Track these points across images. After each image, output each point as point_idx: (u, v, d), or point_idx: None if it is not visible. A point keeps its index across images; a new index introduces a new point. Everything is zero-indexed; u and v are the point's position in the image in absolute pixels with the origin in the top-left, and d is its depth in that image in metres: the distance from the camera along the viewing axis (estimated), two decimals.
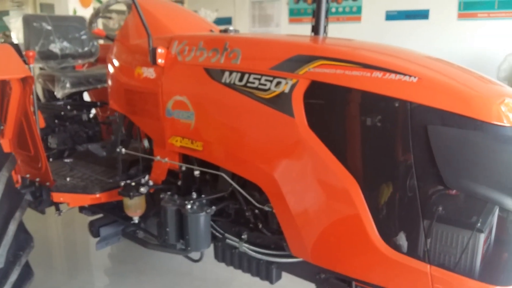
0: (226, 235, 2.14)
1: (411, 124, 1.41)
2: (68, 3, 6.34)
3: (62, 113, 3.18)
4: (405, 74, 1.44)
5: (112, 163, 2.67)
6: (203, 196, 2.06)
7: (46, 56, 3.15)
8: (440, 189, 1.42)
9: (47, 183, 2.49)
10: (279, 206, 1.76)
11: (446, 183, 1.38)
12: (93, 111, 3.37)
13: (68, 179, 2.60)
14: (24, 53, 2.70)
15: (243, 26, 8.61)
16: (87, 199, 2.48)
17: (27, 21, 3.14)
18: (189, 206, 1.94)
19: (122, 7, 2.75)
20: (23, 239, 2.22)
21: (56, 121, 3.25)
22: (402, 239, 1.48)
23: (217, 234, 2.16)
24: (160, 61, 2.08)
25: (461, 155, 1.37)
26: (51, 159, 2.96)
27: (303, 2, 8.26)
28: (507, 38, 6.56)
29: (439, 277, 1.43)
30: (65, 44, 3.25)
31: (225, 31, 2.19)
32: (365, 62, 1.53)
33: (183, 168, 2.17)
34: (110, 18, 3.05)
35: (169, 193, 2.13)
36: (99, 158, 2.84)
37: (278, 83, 1.69)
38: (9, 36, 3.82)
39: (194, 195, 2.04)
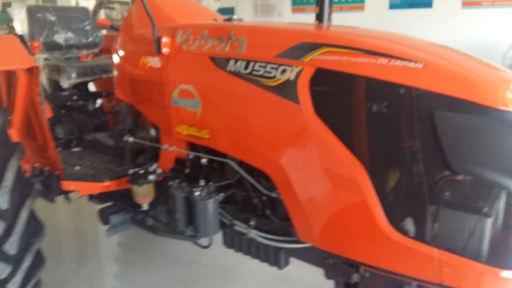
0: (234, 221, 2.17)
1: (417, 110, 1.42)
2: None
3: (69, 103, 3.21)
4: (410, 61, 1.45)
5: (119, 152, 2.69)
6: (210, 183, 2.08)
7: (51, 46, 3.16)
8: (447, 174, 1.43)
9: (57, 172, 2.52)
10: (287, 193, 1.78)
11: (452, 168, 1.40)
12: (99, 101, 3.38)
13: (77, 168, 2.63)
14: (29, 44, 2.71)
15: (245, 15, 8.55)
16: (96, 187, 2.51)
17: (31, 12, 3.15)
18: (197, 193, 1.96)
19: None
20: (35, 227, 2.26)
21: (63, 111, 3.28)
22: (409, 224, 1.50)
23: (226, 221, 2.19)
24: (165, 50, 2.09)
25: (467, 140, 1.38)
26: (59, 149, 2.99)
27: None
28: None
29: (446, 261, 1.44)
30: (69, 34, 3.26)
31: (229, 19, 2.19)
32: (370, 49, 1.54)
33: (190, 156, 2.19)
34: (113, 8, 3.06)
35: (177, 180, 2.15)
36: (106, 147, 2.87)
37: (284, 71, 1.70)
38: (13, 28, 3.82)
39: (202, 182, 2.06)
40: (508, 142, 1.38)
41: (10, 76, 2.52)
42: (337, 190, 1.62)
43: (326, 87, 1.63)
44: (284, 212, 1.90)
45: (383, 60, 1.49)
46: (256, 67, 1.79)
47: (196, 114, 2.04)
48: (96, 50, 3.48)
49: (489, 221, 1.38)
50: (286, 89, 1.69)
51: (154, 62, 2.20)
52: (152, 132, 2.48)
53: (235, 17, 2.20)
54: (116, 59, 2.50)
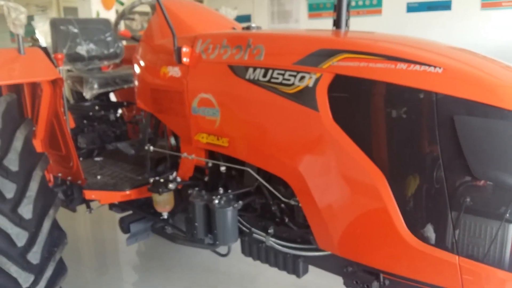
0: (253, 229, 2.17)
1: (437, 115, 1.41)
2: (91, 5, 6.49)
3: (91, 113, 3.27)
4: (429, 65, 1.44)
5: (140, 161, 2.73)
6: (229, 191, 2.10)
7: (74, 58, 3.24)
8: (467, 180, 1.41)
9: (79, 181, 2.57)
10: (305, 200, 1.78)
11: (473, 174, 1.38)
12: (120, 111, 3.45)
13: (98, 177, 2.67)
14: (53, 56, 2.78)
15: (262, 22, 8.62)
16: (117, 196, 2.55)
17: (54, 24, 3.23)
18: (216, 201, 1.98)
19: (144, 8, 2.81)
20: (57, 236, 2.29)
21: (85, 121, 3.35)
22: (429, 231, 1.48)
23: (244, 228, 2.20)
24: (185, 60, 2.12)
25: (488, 144, 1.36)
26: (81, 158, 3.05)
27: None
28: None
29: (468, 268, 1.42)
30: (91, 46, 3.33)
31: (248, 28, 2.22)
32: (389, 54, 1.53)
33: (210, 164, 2.21)
34: (133, 19, 3.11)
35: (196, 188, 2.17)
36: (127, 156, 2.91)
37: (302, 78, 1.71)
38: (36, 40, 3.93)
39: (221, 190, 2.07)
40: None
41: (34, 87, 2.59)
42: (356, 197, 1.62)
43: (345, 93, 1.63)
44: (303, 220, 1.90)
45: (402, 65, 1.48)
46: (275, 75, 1.80)
47: (215, 123, 2.06)
48: (117, 60, 3.55)
49: (511, 227, 1.36)
50: (305, 96, 1.69)
51: (174, 71, 2.23)
52: (172, 141, 2.52)
53: (253, 25, 2.22)
54: (137, 69, 2.55)
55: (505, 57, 1.68)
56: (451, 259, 1.44)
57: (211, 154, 2.24)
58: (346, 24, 2.13)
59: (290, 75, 1.75)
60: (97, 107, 3.24)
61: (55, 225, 2.28)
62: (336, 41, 1.78)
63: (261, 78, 1.85)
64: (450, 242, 1.45)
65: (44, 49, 2.55)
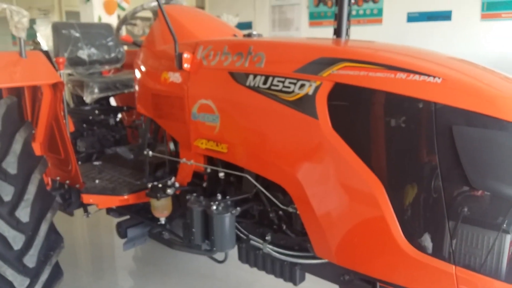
0: (250, 236, 2.17)
1: (435, 125, 1.42)
2: (93, 10, 6.51)
3: (90, 117, 3.28)
4: (429, 75, 1.45)
5: (139, 166, 2.73)
6: (227, 197, 2.10)
7: (75, 62, 3.25)
8: (465, 190, 1.42)
9: (77, 185, 2.56)
10: (304, 208, 1.78)
11: (471, 184, 1.38)
12: (119, 115, 3.45)
13: (97, 181, 2.67)
14: (54, 59, 2.79)
15: (263, 30, 8.66)
16: (115, 201, 2.54)
17: (56, 28, 3.24)
18: (214, 207, 1.98)
19: (146, 14, 2.82)
20: (54, 240, 2.29)
21: (84, 125, 3.35)
22: (427, 240, 1.49)
23: (241, 235, 2.19)
24: (186, 66, 2.13)
25: (486, 155, 1.37)
26: (80, 162, 3.05)
27: (323, 5, 8.25)
28: None
29: (464, 278, 1.42)
30: (93, 50, 3.34)
31: (249, 35, 2.23)
32: (389, 64, 1.54)
33: (208, 170, 2.21)
34: (135, 24, 3.12)
35: (194, 194, 2.17)
36: (126, 160, 2.91)
37: (302, 86, 1.72)
38: (38, 43, 3.94)
39: (219, 196, 2.08)
40: None
41: (35, 91, 2.60)
42: (354, 205, 1.62)
43: (344, 102, 1.64)
44: (301, 227, 1.90)
45: (402, 75, 1.49)
46: (275, 82, 1.81)
47: (215, 129, 2.07)
48: (118, 65, 3.57)
49: (508, 238, 1.36)
50: (304, 104, 1.70)
51: (175, 77, 2.24)
52: (171, 146, 2.52)
53: (254, 32, 2.24)
54: (138, 74, 2.56)
55: (505, 68, 1.69)
56: (448, 269, 1.44)
57: (210, 160, 2.24)
58: (347, 33, 2.14)
59: (290, 83, 1.76)
60: (97, 111, 3.24)
61: (52, 229, 2.28)
62: (336, 50, 1.79)
63: (261, 85, 1.85)
64: (447, 251, 1.45)
65: (46, 53, 2.57)
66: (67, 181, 2.63)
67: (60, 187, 2.71)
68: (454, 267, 1.44)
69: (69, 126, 2.70)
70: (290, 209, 1.91)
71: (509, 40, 6.63)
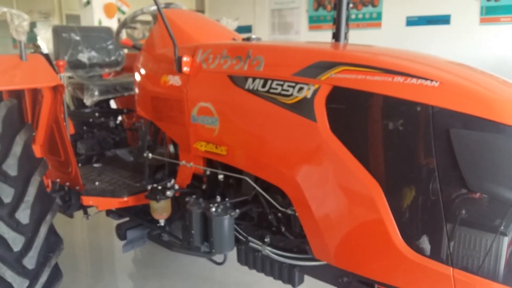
0: (249, 238, 2.18)
1: (433, 128, 1.43)
2: (93, 13, 6.53)
3: (90, 120, 3.29)
4: (426, 79, 1.46)
5: (138, 168, 2.74)
6: (227, 199, 2.11)
7: (75, 65, 3.26)
8: (463, 192, 1.43)
9: (77, 187, 2.57)
10: (302, 210, 1.79)
11: (469, 186, 1.40)
12: (119, 118, 3.46)
13: (96, 183, 2.68)
14: (54, 62, 2.81)
15: (263, 34, 8.68)
16: (115, 203, 2.55)
17: (57, 32, 3.26)
18: (213, 209, 1.99)
19: (146, 17, 2.84)
20: (53, 242, 2.30)
21: (85, 127, 3.36)
22: (425, 242, 1.50)
23: (240, 237, 2.20)
24: (185, 69, 2.14)
25: (484, 158, 1.38)
26: (80, 164, 3.06)
27: (322, 9, 8.28)
28: None
29: (462, 280, 1.43)
30: (93, 53, 3.36)
31: (248, 39, 2.25)
32: (387, 67, 1.56)
33: (208, 172, 2.22)
34: (135, 28, 3.14)
35: (194, 196, 2.18)
36: (126, 163, 2.92)
37: (301, 89, 1.73)
38: (38, 47, 3.95)
39: (218, 198, 2.09)
40: None
41: (35, 93, 2.61)
42: (352, 207, 1.63)
43: (342, 105, 1.66)
44: (299, 229, 1.92)
45: (399, 78, 1.51)
46: (274, 85, 1.82)
47: (214, 131, 2.08)
48: (118, 68, 3.58)
49: (505, 240, 1.37)
50: (303, 107, 1.72)
51: (174, 80, 2.25)
52: (171, 148, 2.53)
53: (253, 36, 2.25)
54: (138, 77, 2.57)
55: (503, 72, 1.70)
56: (446, 271, 1.45)
57: (209, 163, 2.25)
58: (345, 37, 2.16)
59: (289, 86, 1.77)
60: (97, 114, 3.26)
61: (51, 231, 2.28)
62: (335, 54, 1.81)
63: (260, 89, 1.87)
64: (444, 253, 1.46)
65: (46, 56, 2.57)
66: (67, 183, 2.64)
67: (60, 189, 2.72)
68: (451, 269, 1.44)
69: (69, 128, 2.71)
70: (289, 211, 1.92)
71: (508, 44, 6.65)
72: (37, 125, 2.58)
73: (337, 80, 1.64)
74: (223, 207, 2.03)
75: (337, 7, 2.09)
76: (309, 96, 1.70)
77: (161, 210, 2.32)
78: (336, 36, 2.13)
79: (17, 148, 2.14)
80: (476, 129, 1.38)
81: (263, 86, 1.86)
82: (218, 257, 2.27)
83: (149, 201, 2.33)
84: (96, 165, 3.08)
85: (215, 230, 1.99)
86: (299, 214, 1.82)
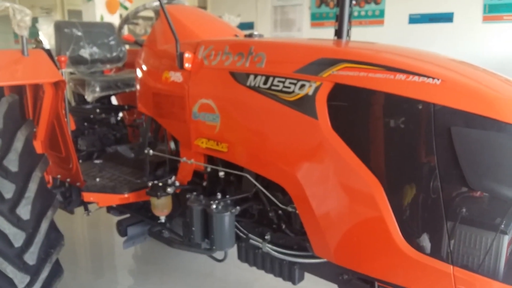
0: (250, 235, 2.18)
1: (434, 126, 1.43)
2: (95, 9, 6.52)
3: (92, 116, 3.29)
4: (428, 76, 1.46)
5: (139, 165, 2.74)
6: (227, 196, 2.11)
7: (76, 61, 3.26)
8: (463, 191, 1.43)
9: (78, 183, 2.57)
10: (303, 207, 1.79)
11: (469, 185, 1.39)
12: (120, 114, 3.46)
13: (97, 179, 2.68)
14: (56, 58, 2.81)
15: (265, 31, 8.67)
16: (116, 199, 2.55)
17: (59, 27, 3.25)
18: (214, 206, 1.99)
19: (148, 13, 2.84)
20: (54, 238, 2.30)
21: (86, 123, 3.36)
22: (425, 240, 1.49)
23: (241, 234, 2.20)
24: (187, 65, 2.14)
25: (485, 156, 1.38)
26: (80, 161, 3.06)
27: (325, 6, 8.26)
28: None
29: (462, 278, 1.43)
30: (95, 49, 3.35)
31: (250, 35, 2.24)
32: (388, 65, 1.55)
33: (208, 169, 2.22)
34: (137, 24, 3.13)
35: (194, 193, 2.18)
36: (127, 159, 2.93)
37: (302, 86, 1.73)
38: (40, 42, 3.95)
39: (219, 195, 2.09)
40: None
41: (36, 89, 2.61)
42: (353, 205, 1.63)
43: (344, 102, 1.65)
44: (300, 227, 1.91)
45: (401, 76, 1.50)
46: (275, 82, 1.82)
47: (215, 128, 2.08)
48: (119, 64, 3.57)
49: (506, 238, 1.37)
50: (304, 104, 1.71)
51: (176, 77, 2.25)
52: (172, 145, 2.53)
53: (255, 33, 2.25)
54: (139, 73, 2.57)
55: (506, 70, 1.70)
56: (446, 269, 1.45)
57: (210, 159, 2.25)
58: (348, 34, 2.15)
59: (290, 83, 1.77)
60: (98, 110, 3.25)
61: (52, 227, 2.29)
62: (337, 51, 1.80)
63: (261, 85, 1.86)
64: (445, 252, 1.46)
65: (48, 51, 2.57)
66: (68, 179, 2.64)
67: (61, 185, 2.72)
68: (452, 267, 1.44)
69: (70, 124, 2.70)
70: (290, 209, 1.92)
71: (511, 43, 6.63)
72: (38, 121, 2.58)
73: (339, 77, 1.63)
74: (224, 204, 2.03)
75: (340, 4, 2.08)
76: (310, 93, 1.70)
77: (161, 207, 2.33)
78: (338, 34, 2.12)
79: (18, 144, 2.14)
80: (477, 127, 1.38)
81: (265, 83, 1.85)
82: (219, 254, 2.27)
83: (149, 197, 2.33)
84: (97, 161, 3.09)
85: (215, 227, 1.99)
86: (300, 211, 1.82)
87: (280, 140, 1.83)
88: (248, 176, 2.03)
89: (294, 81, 1.76)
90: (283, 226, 2.04)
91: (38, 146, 2.65)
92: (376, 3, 7.68)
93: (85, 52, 3.29)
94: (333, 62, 1.67)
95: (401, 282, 1.59)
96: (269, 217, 2.08)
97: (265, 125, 1.88)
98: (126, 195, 2.53)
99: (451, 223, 1.44)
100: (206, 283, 3.16)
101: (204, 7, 9.14)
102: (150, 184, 2.36)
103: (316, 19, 8.42)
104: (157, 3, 2.52)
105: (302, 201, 1.77)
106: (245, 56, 1.97)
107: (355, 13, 7.78)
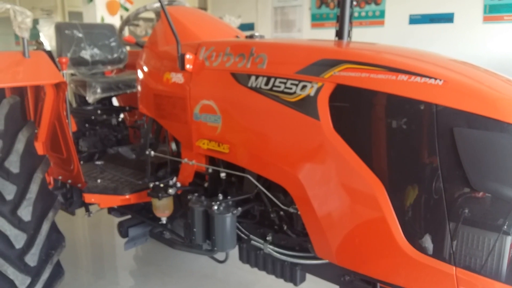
0: (251, 236, 2.17)
1: (437, 127, 1.42)
2: (96, 11, 6.52)
3: (93, 117, 3.29)
4: (430, 77, 1.46)
5: (141, 166, 2.74)
6: (229, 197, 2.11)
7: (77, 62, 3.26)
8: (466, 191, 1.42)
9: (79, 185, 2.57)
10: (305, 208, 1.79)
11: (472, 185, 1.39)
12: (121, 115, 3.46)
13: (99, 180, 2.68)
14: (57, 59, 2.81)
15: (265, 31, 8.66)
16: (117, 200, 2.55)
17: (60, 29, 3.26)
18: (216, 207, 1.99)
19: (149, 15, 2.84)
20: (55, 239, 2.30)
21: (87, 125, 3.36)
22: (427, 241, 1.49)
23: (242, 235, 2.20)
24: (188, 66, 2.14)
25: (487, 157, 1.37)
26: (82, 162, 3.06)
27: (325, 7, 8.26)
28: None
29: (464, 279, 1.42)
30: (95, 50, 3.36)
31: (251, 36, 2.24)
32: (390, 66, 1.55)
33: (210, 170, 2.22)
34: (138, 25, 3.13)
35: (196, 194, 2.18)
36: (128, 160, 2.93)
37: (304, 87, 1.73)
38: (41, 43, 3.95)
39: (221, 196, 2.08)
40: None
41: (38, 90, 2.61)
42: (355, 206, 1.62)
43: (345, 103, 1.65)
44: (301, 228, 1.91)
45: (403, 77, 1.50)
46: (277, 83, 1.82)
47: (216, 129, 2.08)
48: (120, 65, 3.58)
49: (509, 239, 1.37)
50: (306, 105, 1.71)
51: (177, 78, 2.25)
52: (173, 146, 2.53)
53: (256, 34, 2.25)
54: (140, 74, 2.57)
55: (507, 70, 1.69)
56: (448, 270, 1.44)
57: (212, 160, 2.25)
58: (349, 35, 2.15)
59: (292, 84, 1.77)
60: (99, 111, 3.26)
61: (53, 228, 2.29)
62: (338, 52, 1.80)
63: (263, 86, 1.86)
64: (447, 253, 1.45)
65: (49, 53, 2.57)
66: (69, 181, 2.64)
67: (62, 186, 2.72)
68: (454, 268, 1.44)
69: (72, 125, 2.70)
70: (291, 210, 1.92)
71: (511, 43, 6.63)
72: (40, 122, 2.58)
73: (341, 78, 1.63)
74: (225, 205, 2.03)
75: (341, 5, 2.08)
76: (312, 94, 1.69)
77: (163, 208, 2.32)
78: (339, 34, 2.12)
79: (19, 145, 2.14)
80: (479, 128, 1.37)
81: (266, 84, 1.85)
82: (220, 255, 2.27)
83: (151, 198, 2.33)
84: (98, 162, 3.09)
85: (217, 228, 1.98)
86: (301, 212, 1.81)
87: (282, 141, 1.83)
88: (249, 177, 2.03)
89: (296, 82, 1.75)
90: (285, 227, 2.04)
91: (39, 148, 2.65)
92: (377, 3, 7.68)
93: (86, 54, 3.30)
94: (334, 63, 1.67)
95: (403, 283, 1.59)
96: (271, 218, 2.07)
97: (267, 126, 1.88)
98: (127, 196, 2.53)
99: (454, 224, 1.43)
100: (207, 285, 3.16)
101: (205, 8, 9.15)
102: (151, 185, 2.35)
103: (317, 20, 8.41)
104: (158, 5, 2.52)
105: (304, 202, 1.77)
106: (247, 57, 1.96)
107: (356, 14, 7.77)
